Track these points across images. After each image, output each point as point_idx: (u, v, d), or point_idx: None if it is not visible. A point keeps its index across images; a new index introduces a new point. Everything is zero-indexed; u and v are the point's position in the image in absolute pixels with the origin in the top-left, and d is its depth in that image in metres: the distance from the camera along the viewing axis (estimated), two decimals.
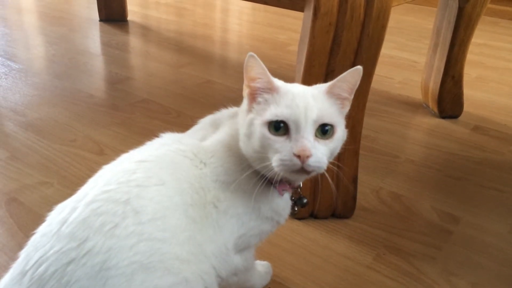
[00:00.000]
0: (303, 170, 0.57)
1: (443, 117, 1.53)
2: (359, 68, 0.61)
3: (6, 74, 1.70)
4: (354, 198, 1.00)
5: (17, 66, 1.78)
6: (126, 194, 0.54)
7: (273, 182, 0.64)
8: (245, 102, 0.63)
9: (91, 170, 0.61)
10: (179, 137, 0.67)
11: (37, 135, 1.28)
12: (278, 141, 0.58)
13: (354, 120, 0.92)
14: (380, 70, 1.85)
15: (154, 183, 0.57)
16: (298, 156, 0.56)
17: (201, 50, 2.12)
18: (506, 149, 1.36)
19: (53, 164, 1.16)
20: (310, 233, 0.97)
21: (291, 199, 0.71)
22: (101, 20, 2.42)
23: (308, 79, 0.88)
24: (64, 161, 1.17)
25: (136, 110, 1.47)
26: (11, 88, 1.58)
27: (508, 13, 2.99)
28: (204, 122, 0.71)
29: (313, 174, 0.59)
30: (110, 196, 0.54)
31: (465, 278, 0.87)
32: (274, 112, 0.58)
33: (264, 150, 0.59)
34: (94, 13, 2.48)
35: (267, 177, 0.61)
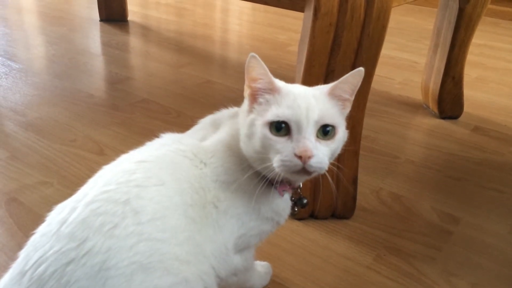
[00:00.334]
0: (304, 170, 0.57)
1: (443, 118, 1.53)
2: (361, 69, 0.61)
3: (6, 74, 1.70)
4: (354, 198, 1.00)
5: (17, 66, 1.78)
6: (125, 194, 0.54)
7: (274, 183, 0.64)
8: (246, 103, 0.63)
9: (91, 170, 0.61)
10: (179, 137, 0.67)
11: (37, 135, 1.28)
12: (280, 142, 0.58)
13: (354, 121, 0.92)
14: (380, 70, 1.85)
15: (153, 183, 0.57)
16: (300, 157, 0.56)
17: (201, 50, 2.12)
18: (506, 150, 1.36)
19: (53, 164, 1.15)
20: (310, 233, 0.97)
21: (291, 200, 0.71)
22: (101, 20, 2.42)
23: (308, 79, 0.88)
24: (64, 161, 1.17)
25: (136, 110, 1.47)
26: (11, 88, 1.58)
27: (509, 14, 2.99)
28: (204, 122, 0.71)
29: (314, 174, 0.59)
30: (110, 196, 0.54)
31: (465, 278, 0.87)
32: (275, 112, 0.58)
33: (265, 151, 0.59)
34: (94, 13, 2.48)
35: (268, 178, 0.61)
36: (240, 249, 0.65)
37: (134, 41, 2.20)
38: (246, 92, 0.62)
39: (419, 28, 2.70)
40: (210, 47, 2.20)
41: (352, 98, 0.64)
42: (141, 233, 0.53)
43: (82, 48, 2.05)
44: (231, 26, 2.63)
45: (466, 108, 1.55)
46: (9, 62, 1.82)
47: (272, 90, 0.61)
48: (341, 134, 0.62)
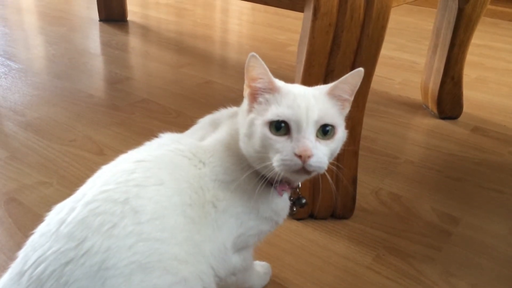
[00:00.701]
0: (304, 170, 0.57)
1: (443, 118, 1.53)
2: (361, 70, 0.61)
3: (5, 74, 1.70)
4: (353, 198, 1.00)
5: (17, 66, 1.78)
6: (124, 194, 0.54)
7: (273, 182, 0.64)
8: (245, 102, 0.63)
9: (91, 170, 0.61)
10: (178, 137, 0.67)
11: (36, 135, 1.28)
12: (279, 141, 0.58)
13: (353, 121, 0.92)
14: (380, 71, 1.85)
15: (153, 183, 0.57)
16: (299, 156, 0.56)
17: (201, 51, 2.12)
18: (505, 150, 1.36)
19: (53, 164, 1.15)
20: (310, 233, 0.97)
21: (290, 199, 0.71)
22: (101, 20, 2.42)
23: (308, 79, 0.88)
24: (64, 161, 1.17)
25: (135, 110, 1.47)
26: (10, 88, 1.58)
27: (508, 14, 2.99)
28: (203, 122, 0.71)
29: (313, 174, 0.59)
30: (109, 196, 0.54)
31: (465, 279, 0.87)
32: (275, 112, 0.58)
33: (265, 150, 0.59)
34: (94, 13, 2.48)
35: (267, 178, 0.61)
36: (239, 248, 0.65)
37: (134, 41, 2.20)
38: (246, 92, 0.63)
39: (418, 28, 2.71)
40: (210, 47, 2.20)
41: (352, 98, 0.64)
42: (140, 232, 0.53)
43: (81, 48, 2.05)
44: (231, 26, 2.63)
45: (466, 108, 1.55)
46: (8, 62, 1.82)
47: (272, 89, 0.61)
48: (341, 134, 0.62)
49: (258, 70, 0.60)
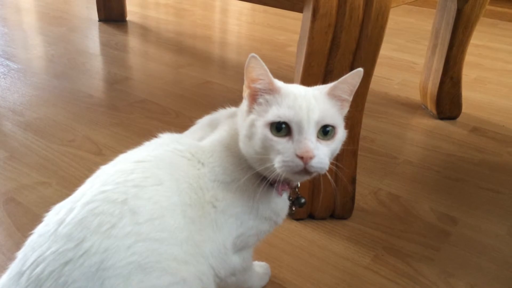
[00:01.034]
0: (305, 171, 0.57)
1: (442, 118, 1.54)
2: (360, 70, 0.62)
3: (5, 74, 1.70)
4: (352, 199, 1.00)
5: (16, 66, 1.78)
6: (123, 194, 0.54)
7: (273, 183, 0.64)
8: (245, 103, 0.63)
9: (90, 170, 0.61)
10: (177, 137, 0.67)
11: (35, 135, 1.28)
12: (280, 142, 0.58)
13: (352, 121, 0.93)
14: (378, 71, 1.85)
15: (151, 183, 0.57)
16: (301, 158, 0.56)
17: (200, 51, 2.12)
18: (504, 151, 1.36)
19: (52, 164, 1.15)
20: (309, 234, 0.97)
21: (289, 199, 0.71)
22: (100, 20, 2.42)
23: (307, 80, 0.88)
24: (63, 161, 1.17)
25: (135, 110, 1.47)
26: (10, 88, 1.58)
27: (507, 14, 2.99)
28: (202, 122, 0.71)
29: (314, 174, 0.59)
30: (107, 197, 0.54)
31: (463, 279, 0.87)
32: (276, 113, 0.58)
33: (265, 151, 0.59)
34: (93, 13, 2.48)
35: (269, 179, 0.61)
36: (238, 248, 0.66)
37: (133, 41, 2.20)
38: (246, 93, 0.63)
39: (417, 29, 2.71)
40: (209, 47, 2.20)
41: (351, 98, 0.64)
42: (138, 233, 0.53)
43: (81, 48, 2.05)
44: (230, 27, 2.63)
45: (465, 108, 1.56)
46: (7, 62, 1.82)
47: (272, 90, 0.61)
48: (341, 134, 0.62)
49: (258, 71, 0.60)
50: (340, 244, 0.95)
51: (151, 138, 0.67)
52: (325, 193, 0.98)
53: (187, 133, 0.71)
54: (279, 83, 0.62)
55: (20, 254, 0.54)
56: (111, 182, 0.56)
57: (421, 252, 0.94)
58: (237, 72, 1.87)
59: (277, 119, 0.58)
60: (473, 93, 1.77)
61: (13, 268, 0.54)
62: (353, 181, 0.99)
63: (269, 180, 0.61)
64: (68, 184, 1.07)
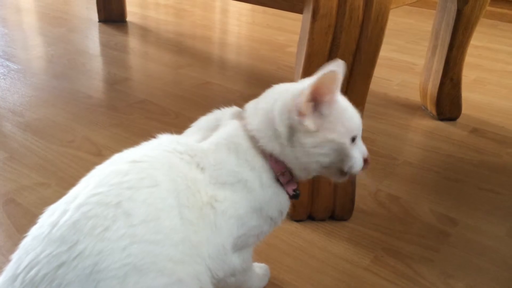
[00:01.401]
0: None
1: (441, 119, 1.54)
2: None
3: (4, 75, 1.70)
4: (352, 200, 1.00)
5: (15, 67, 1.78)
6: (117, 197, 0.54)
7: (284, 182, 0.65)
8: (307, 122, 0.62)
9: (89, 171, 0.60)
10: (177, 138, 0.67)
11: (35, 136, 1.28)
12: (355, 150, 0.66)
13: None
14: (378, 72, 1.85)
15: (146, 184, 0.56)
16: (365, 160, 0.67)
17: (200, 51, 2.12)
18: (504, 152, 1.36)
19: (51, 165, 1.15)
20: (308, 235, 0.97)
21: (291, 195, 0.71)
22: (100, 20, 2.42)
23: None
24: (62, 162, 1.17)
25: (134, 111, 1.47)
26: (9, 89, 1.58)
27: (507, 15, 3.00)
28: (199, 124, 0.71)
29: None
30: (101, 199, 0.54)
31: (463, 280, 0.87)
32: (354, 127, 0.65)
33: (339, 161, 0.65)
34: (93, 14, 2.48)
35: (278, 177, 0.64)
36: (238, 248, 0.65)
37: (133, 42, 2.20)
38: (306, 106, 0.61)
39: (417, 30, 2.71)
40: (209, 48, 2.20)
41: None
42: (133, 235, 0.52)
43: (80, 48, 2.05)
44: (230, 27, 2.64)
45: (464, 109, 1.56)
46: (7, 62, 1.82)
47: (333, 102, 0.63)
48: None
49: (335, 85, 0.62)
50: (340, 245, 0.94)
51: (150, 139, 0.67)
52: (324, 194, 0.98)
53: (187, 133, 0.70)
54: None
55: (14, 257, 0.54)
56: (105, 183, 0.55)
57: (421, 253, 0.94)
58: (237, 73, 1.87)
59: (356, 132, 0.65)
60: (473, 94, 1.77)
61: (8, 270, 0.54)
62: (352, 182, 0.99)
63: (278, 179, 0.65)
64: (68, 185, 1.05)
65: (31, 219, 0.94)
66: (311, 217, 1.01)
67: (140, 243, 0.53)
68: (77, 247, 0.51)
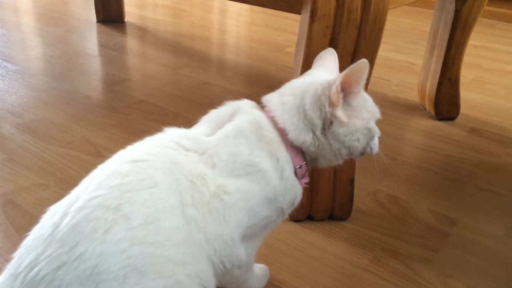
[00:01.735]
0: None
1: (440, 119, 1.54)
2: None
3: (3, 76, 1.69)
4: (351, 200, 1.00)
5: (14, 68, 1.78)
6: (116, 200, 0.54)
7: (299, 175, 0.67)
8: (339, 113, 0.65)
9: (88, 172, 0.60)
10: (185, 132, 0.66)
11: (33, 137, 1.28)
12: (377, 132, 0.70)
13: None
14: (377, 72, 1.85)
15: (146, 186, 0.56)
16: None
17: (199, 52, 2.12)
18: (502, 151, 1.36)
19: (50, 166, 1.15)
20: (307, 235, 0.97)
21: None
22: (98, 21, 2.42)
23: None
24: (61, 163, 1.17)
25: (133, 111, 1.47)
26: (7, 90, 1.58)
27: (505, 15, 3.00)
28: (214, 114, 0.70)
29: None
30: (101, 202, 0.54)
31: (462, 280, 0.87)
32: (374, 109, 0.69)
33: (369, 142, 0.69)
34: (91, 14, 2.47)
35: (294, 169, 0.66)
36: (247, 239, 0.65)
37: (131, 42, 2.20)
38: (337, 97, 0.64)
39: (416, 29, 2.71)
40: (207, 48, 2.20)
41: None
42: (133, 237, 0.52)
43: (79, 49, 2.05)
44: (229, 28, 2.64)
45: (463, 109, 1.56)
46: (5, 63, 1.82)
47: (361, 92, 0.67)
48: None
49: (364, 76, 0.64)
50: (339, 245, 0.95)
51: None
52: (323, 194, 0.98)
53: (196, 126, 0.69)
54: None
55: (16, 256, 0.54)
56: (105, 186, 0.55)
57: (420, 253, 0.94)
58: (236, 73, 1.87)
59: (378, 115, 0.70)
60: (471, 94, 1.77)
61: (8, 269, 0.54)
62: (351, 182, 0.99)
63: (294, 171, 0.66)
64: (67, 185, 1.07)
65: (30, 220, 0.95)
66: (310, 217, 1.01)
67: (140, 245, 0.53)
68: (77, 249, 0.51)
